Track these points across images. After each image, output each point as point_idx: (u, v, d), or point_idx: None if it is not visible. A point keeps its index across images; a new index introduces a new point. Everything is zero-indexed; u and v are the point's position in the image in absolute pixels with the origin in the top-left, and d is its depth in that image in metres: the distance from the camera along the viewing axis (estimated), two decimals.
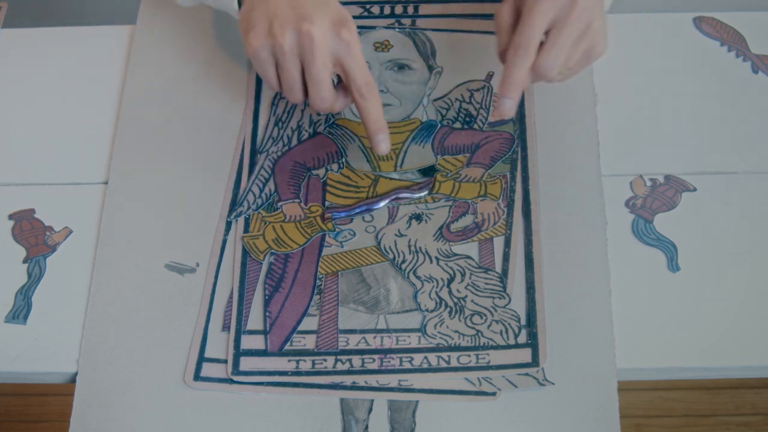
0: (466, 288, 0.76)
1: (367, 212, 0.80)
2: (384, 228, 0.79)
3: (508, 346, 0.73)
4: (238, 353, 0.74)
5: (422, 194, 0.80)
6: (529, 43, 0.71)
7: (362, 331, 0.75)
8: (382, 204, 0.80)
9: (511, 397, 0.71)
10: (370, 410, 0.72)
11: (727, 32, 0.90)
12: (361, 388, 0.72)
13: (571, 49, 0.72)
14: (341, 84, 0.77)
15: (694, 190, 0.81)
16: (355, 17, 0.91)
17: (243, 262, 0.78)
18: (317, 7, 0.72)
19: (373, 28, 0.91)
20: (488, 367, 0.72)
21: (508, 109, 0.74)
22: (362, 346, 0.74)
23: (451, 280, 0.76)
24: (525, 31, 0.71)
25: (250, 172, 0.83)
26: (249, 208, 0.81)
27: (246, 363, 0.74)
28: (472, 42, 0.90)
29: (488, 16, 0.91)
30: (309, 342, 0.74)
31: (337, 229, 0.79)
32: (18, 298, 0.78)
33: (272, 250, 0.79)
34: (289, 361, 0.74)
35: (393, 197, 0.80)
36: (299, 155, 0.84)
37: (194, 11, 0.93)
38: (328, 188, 0.82)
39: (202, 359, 0.74)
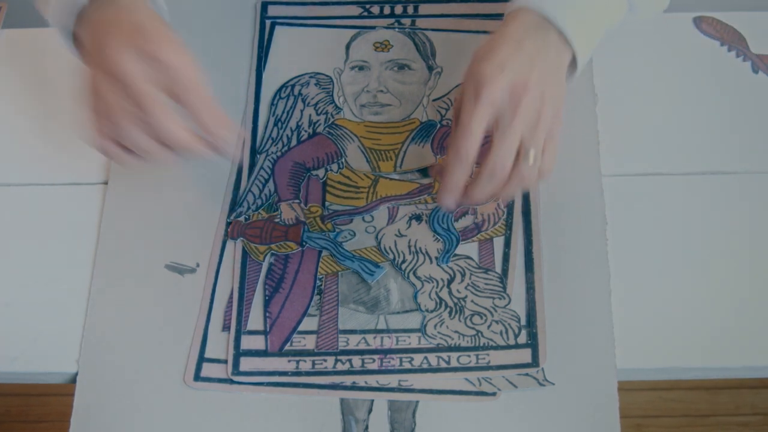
0: (466, 288, 0.76)
1: (366, 214, 0.80)
2: (384, 228, 0.79)
3: (508, 347, 0.73)
4: (238, 353, 0.74)
5: (420, 197, 0.81)
6: (469, 153, 0.66)
7: (362, 332, 0.75)
8: (379, 209, 0.80)
9: (511, 397, 0.71)
10: (370, 410, 0.72)
11: (727, 32, 0.90)
12: (361, 389, 0.72)
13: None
14: None
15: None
16: (355, 17, 0.91)
17: (243, 263, 0.78)
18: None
19: (373, 28, 0.91)
20: (488, 368, 0.72)
21: (446, 206, 0.70)
22: (362, 346, 0.74)
23: (451, 281, 0.76)
24: (462, 139, 0.65)
25: (250, 172, 0.83)
26: (249, 208, 0.81)
27: (246, 363, 0.74)
28: (472, 42, 0.89)
29: (488, 16, 0.91)
30: (309, 342, 0.74)
31: (337, 230, 0.79)
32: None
33: (272, 251, 0.79)
34: (289, 361, 0.74)
35: (390, 201, 0.80)
36: (299, 156, 0.84)
37: (191, 13, 0.93)
38: (328, 188, 0.82)
39: (202, 359, 0.74)
